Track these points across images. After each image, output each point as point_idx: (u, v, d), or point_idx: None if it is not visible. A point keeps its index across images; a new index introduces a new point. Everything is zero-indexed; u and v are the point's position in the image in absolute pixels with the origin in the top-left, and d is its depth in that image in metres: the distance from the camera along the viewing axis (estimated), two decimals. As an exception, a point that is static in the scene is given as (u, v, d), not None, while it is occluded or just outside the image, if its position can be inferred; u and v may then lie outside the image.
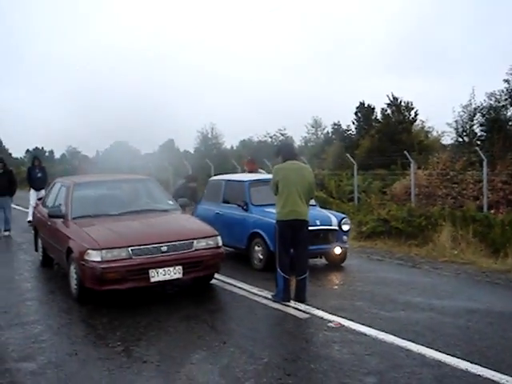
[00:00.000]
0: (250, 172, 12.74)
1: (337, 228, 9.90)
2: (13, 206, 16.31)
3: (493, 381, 4.89)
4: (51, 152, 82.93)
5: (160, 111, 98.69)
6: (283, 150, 8.07)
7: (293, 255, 7.73)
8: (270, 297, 7.74)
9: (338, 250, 9.89)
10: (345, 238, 10.04)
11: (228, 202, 10.93)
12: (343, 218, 10.18)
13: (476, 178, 16.13)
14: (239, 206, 10.38)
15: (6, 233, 14.88)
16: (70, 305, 7.72)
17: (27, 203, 17.33)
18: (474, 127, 27.49)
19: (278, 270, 7.58)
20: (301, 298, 7.55)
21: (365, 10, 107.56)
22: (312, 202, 10.65)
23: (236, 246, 10.61)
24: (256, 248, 9.86)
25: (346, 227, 10.06)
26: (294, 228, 7.58)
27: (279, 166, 7.84)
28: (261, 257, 9.71)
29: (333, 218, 10.05)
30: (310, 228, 9.35)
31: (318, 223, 9.66)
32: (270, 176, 11.24)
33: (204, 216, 11.07)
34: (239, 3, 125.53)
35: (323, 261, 10.34)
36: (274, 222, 9.12)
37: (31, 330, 6.65)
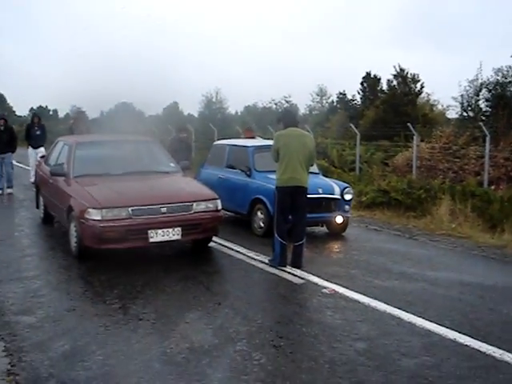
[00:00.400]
0: (246, 138, 12.88)
1: (339, 197, 9.90)
2: (15, 163, 16.37)
3: (479, 351, 5.00)
4: (55, 111, 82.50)
5: (165, 74, 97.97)
6: (285, 117, 8.06)
7: (291, 221, 7.77)
8: (266, 261, 7.83)
9: (339, 219, 9.88)
10: (347, 207, 10.05)
11: (231, 167, 10.93)
12: (346, 187, 10.16)
13: (478, 154, 16.12)
14: (242, 171, 10.39)
15: (9, 190, 14.97)
16: (69, 262, 7.83)
17: (28, 161, 17.36)
18: (480, 102, 27.35)
19: (276, 235, 7.64)
20: (297, 264, 7.64)
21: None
22: (315, 169, 10.69)
23: (237, 211, 10.64)
24: (258, 214, 9.85)
25: (348, 196, 10.03)
26: (293, 194, 7.60)
27: (280, 132, 7.84)
28: (262, 223, 9.71)
29: (335, 186, 10.04)
30: (313, 196, 9.33)
31: (321, 191, 9.68)
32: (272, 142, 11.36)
33: (207, 180, 11.06)
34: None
35: (324, 229, 10.40)
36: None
37: (31, 285, 6.77)
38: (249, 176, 10.22)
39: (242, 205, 10.26)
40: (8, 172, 15.11)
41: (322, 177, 10.83)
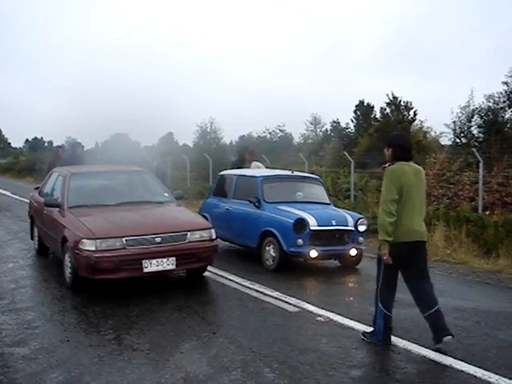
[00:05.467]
0: (248, 162, 13.10)
1: (353, 228, 9.45)
2: (10, 194, 16.36)
3: (475, 376, 4.99)
4: (50, 142, 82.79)
5: (160, 105, 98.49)
6: (398, 146, 5.94)
7: (415, 288, 6.00)
8: (361, 336, 6.11)
9: (353, 252, 9.40)
10: (361, 239, 9.57)
11: (239, 198, 10.54)
12: (360, 218, 9.70)
13: (472, 180, 16.17)
14: (251, 202, 10.00)
15: None
16: (63, 293, 7.81)
17: (25, 193, 17.36)
18: (472, 128, 27.47)
19: (380, 305, 5.93)
20: (447, 333, 5.71)
21: (364, 10, 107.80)
22: (326, 200, 10.49)
23: (246, 244, 10.34)
24: (268, 247, 9.47)
25: (362, 228, 9.55)
26: (411, 252, 5.82)
27: (395, 168, 5.80)
28: (273, 256, 9.32)
29: (349, 217, 9.59)
30: (326, 228, 9.17)
31: (334, 223, 9.32)
32: (283, 172, 11.18)
33: (213, 211, 11.07)
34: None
35: (335, 263, 9.97)
36: (290, 221, 9.00)
37: (25, 317, 6.74)
38: (258, 207, 9.85)
39: (251, 237, 9.90)
40: None
41: (333, 207, 10.51)
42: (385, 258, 5.72)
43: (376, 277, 5.99)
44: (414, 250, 5.80)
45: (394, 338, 5.95)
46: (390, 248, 5.70)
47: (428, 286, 5.94)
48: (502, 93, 27.73)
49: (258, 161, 13.50)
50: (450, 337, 5.65)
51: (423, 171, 6.02)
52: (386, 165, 6.01)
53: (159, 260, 7.56)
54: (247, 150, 14.12)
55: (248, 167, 12.90)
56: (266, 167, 12.65)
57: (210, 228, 8.23)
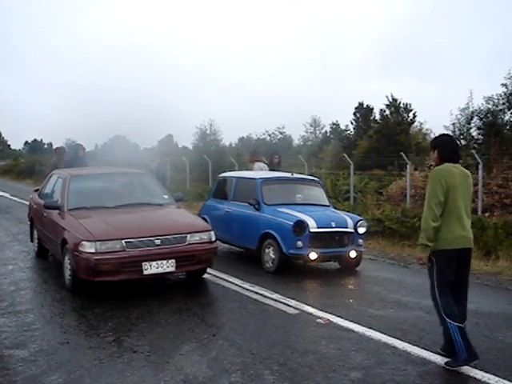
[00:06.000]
0: (250, 162, 13.23)
1: (352, 230, 9.44)
2: (9, 196, 16.36)
3: (475, 378, 5.00)
4: (50, 144, 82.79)
5: (159, 107, 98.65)
6: (444, 146, 5.59)
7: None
8: (443, 365, 5.35)
9: (353, 254, 9.38)
10: (360, 241, 9.57)
11: (239, 200, 10.49)
12: (359, 220, 9.71)
13: (471, 181, 16.18)
14: (251, 204, 9.95)
15: None
16: (63, 295, 7.81)
17: (25, 195, 17.36)
18: (471, 130, 27.53)
19: (447, 319, 5.28)
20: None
21: (363, 12, 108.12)
22: (326, 202, 10.47)
23: (246, 247, 10.34)
24: (267, 249, 9.43)
25: (362, 230, 9.54)
26: (460, 259, 5.42)
27: (441, 169, 5.43)
28: (273, 258, 9.28)
29: (348, 219, 9.59)
30: (326, 230, 9.16)
31: (334, 225, 9.30)
32: (283, 174, 11.19)
33: (212, 214, 11.04)
34: (241, 1, 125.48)
35: (335, 264, 9.94)
36: (290, 223, 8.99)
37: (24, 319, 6.74)
38: (257, 209, 9.81)
39: (250, 240, 9.86)
40: None
41: (333, 209, 10.47)
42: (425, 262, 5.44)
43: (430, 288, 5.53)
44: (462, 256, 5.41)
45: (393, 340, 5.97)
46: (433, 254, 5.36)
47: (466, 296, 5.55)
48: (501, 95, 27.82)
49: (260, 161, 13.47)
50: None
51: (471, 176, 5.64)
52: (433, 168, 5.66)
53: (159, 262, 7.56)
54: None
55: (251, 168, 12.93)
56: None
57: (209, 230, 8.23)
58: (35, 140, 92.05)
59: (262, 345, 5.85)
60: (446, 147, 5.55)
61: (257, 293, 7.92)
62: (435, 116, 78.28)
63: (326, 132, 62.68)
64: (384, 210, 14.36)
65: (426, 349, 5.72)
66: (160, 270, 7.60)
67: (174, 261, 7.67)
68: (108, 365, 5.28)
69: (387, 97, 44.97)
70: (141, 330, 6.27)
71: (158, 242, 7.64)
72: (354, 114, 52.31)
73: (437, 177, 5.34)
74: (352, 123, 52.88)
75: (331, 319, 6.72)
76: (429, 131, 44.75)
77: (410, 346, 5.82)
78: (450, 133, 28.79)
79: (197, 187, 23.32)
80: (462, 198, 5.38)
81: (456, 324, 5.21)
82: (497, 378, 4.97)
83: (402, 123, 43.21)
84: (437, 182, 5.31)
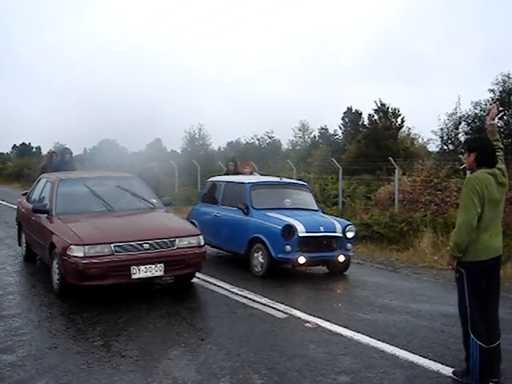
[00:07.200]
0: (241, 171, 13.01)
1: (341, 235, 9.46)
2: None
3: (463, 383, 5.01)
4: (38, 148, 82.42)
5: (148, 110, 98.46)
6: (482, 150, 5.12)
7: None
8: (452, 375, 5.22)
9: (341, 258, 9.39)
10: (349, 245, 9.59)
11: (228, 205, 10.50)
12: (348, 224, 9.74)
13: (459, 186, 16.24)
14: (239, 208, 9.95)
15: None
16: (51, 299, 7.77)
17: (12, 198, 17.25)
18: (459, 135, 27.76)
19: (472, 336, 4.95)
20: (496, 375, 5.04)
21: (350, 17, 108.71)
22: (314, 206, 10.50)
23: (234, 251, 10.33)
24: (256, 254, 9.43)
25: (350, 234, 9.58)
26: (491, 270, 5.08)
27: (479, 177, 4.97)
28: (261, 262, 9.29)
29: (337, 224, 9.61)
30: (314, 234, 9.19)
31: (322, 229, 9.32)
32: (272, 179, 11.20)
33: (201, 218, 11.02)
34: (229, 6, 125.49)
35: (323, 269, 9.98)
36: (278, 227, 9.00)
37: (12, 323, 6.70)
38: (246, 214, 9.82)
39: (239, 244, 9.86)
40: None
41: (322, 214, 10.51)
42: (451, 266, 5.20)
43: (459, 300, 5.17)
44: (492, 266, 5.06)
45: (381, 344, 5.99)
46: (461, 265, 5.03)
47: (497, 309, 5.20)
48: (488, 100, 28.04)
49: (253, 170, 13.42)
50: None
51: (508, 185, 5.22)
52: (468, 173, 5.30)
53: (147, 266, 7.55)
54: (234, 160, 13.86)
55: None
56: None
57: (198, 234, 8.23)
58: (23, 143, 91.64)
59: (251, 349, 5.86)
60: (486, 151, 5.10)
61: (245, 297, 7.93)
62: (423, 121, 78.84)
63: (314, 136, 62.93)
64: (372, 214, 14.40)
65: (414, 352, 5.75)
66: (148, 274, 7.59)
67: (162, 265, 7.66)
68: (96, 369, 5.26)
69: (376, 102, 45.24)
70: (129, 335, 6.26)
71: (146, 246, 7.63)
72: (343, 118, 52.62)
73: (474, 187, 4.89)
74: (340, 128, 53.24)
75: (319, 323, 6.74)
76: (417, 136, 45.06)
77: (399, 349, 5.85)
78: (438, 138, 29.03)
79: (185, 191, 23.26)
80: (497, 207, 5.04)
81: (479, 343, 4.88)
82: None
83: (391, 128, 43.43)
84: (474, 192, 4.87)
